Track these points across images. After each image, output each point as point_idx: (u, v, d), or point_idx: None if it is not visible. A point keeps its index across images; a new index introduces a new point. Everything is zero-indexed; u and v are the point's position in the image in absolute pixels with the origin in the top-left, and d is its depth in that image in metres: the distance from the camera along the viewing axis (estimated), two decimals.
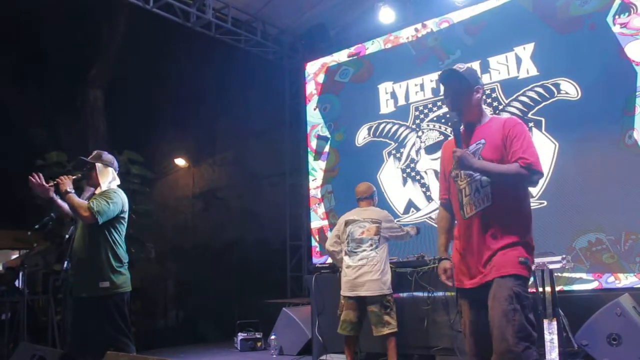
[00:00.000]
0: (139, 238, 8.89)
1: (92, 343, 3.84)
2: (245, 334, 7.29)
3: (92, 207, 3.95)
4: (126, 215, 4.23)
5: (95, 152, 4.32)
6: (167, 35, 9.12)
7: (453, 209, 3.06)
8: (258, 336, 7.32)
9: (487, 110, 3.12)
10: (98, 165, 4.23)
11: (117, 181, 4.32)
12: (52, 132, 9.64)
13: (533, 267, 4.73)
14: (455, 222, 3.07)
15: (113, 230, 4.09)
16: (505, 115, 6.61)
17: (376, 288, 4.85)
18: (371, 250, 4.95)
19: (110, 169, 4.28)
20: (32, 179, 4.05)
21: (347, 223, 5.17)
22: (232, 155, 11.49)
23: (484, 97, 3.07)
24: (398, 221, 7.27)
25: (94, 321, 3.92)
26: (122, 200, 4.15)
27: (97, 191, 4.19)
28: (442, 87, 3.13)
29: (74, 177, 4.20)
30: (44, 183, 4.07)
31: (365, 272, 4.89)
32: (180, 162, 12.01)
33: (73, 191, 4.09)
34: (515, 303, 2.65)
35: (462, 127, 3.02)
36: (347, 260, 5.05)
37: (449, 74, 3.06)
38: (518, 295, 2.67)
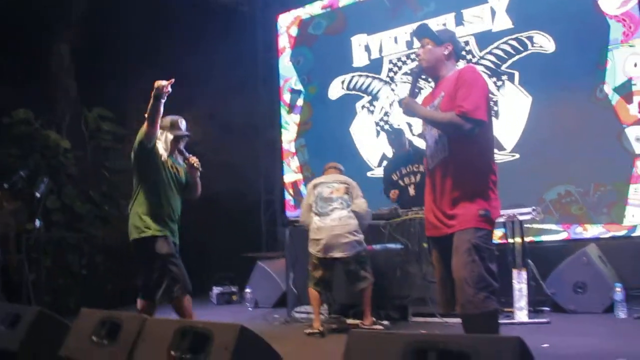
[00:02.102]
0: (112, 195, 8.81)
1: None
2: (221, 288, 7.34)
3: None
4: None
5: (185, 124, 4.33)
6: None
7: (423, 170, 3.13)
8: (234, 290, 7.38)
9: (460, 65, 3.12)
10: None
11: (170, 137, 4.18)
12: (18, 89, 9.39)
13: (503, 219, 4.87)
14: None
15: None
16: (479, 68, 6.61)
17: (350, 248, 4.79)
18: (342, 209, 4.86)
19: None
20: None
21: (315, 186, 5.07)
22: (206, 110, 11.31)
23: (453, 53, 3.04)
24: (371, 174, 7.34)
25: None
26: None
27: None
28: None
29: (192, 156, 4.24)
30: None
31: (338, 233, 4.77)
32: None
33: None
34: (474, 254, 2.71)
35: (417, 82, 3.10)
36: (317, 221, 4.90)
37: (420, 27, 3.16)
38: (477, 246, 2.72)
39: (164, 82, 3.85)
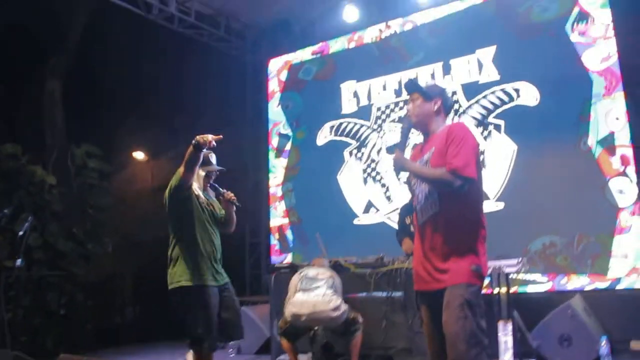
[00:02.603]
0: (97, 233, 8.74)
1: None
2: None
3: None
4: None
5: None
6: (129, 27, 8.92)
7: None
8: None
9: (449, 120, 3.17)
10: None
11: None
12: (6, 123, 9.38)
13: (489, 271, 4.86)
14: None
15: None
16: (465, 118, 6.73)
17: (330, 321, 4.76)
18: (327, 288, 4.79)
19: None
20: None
21: (300, 272, 5.06)
22: None
23: (442, 108, 3.09)
24: (358, 221, 7.35)
25: None
26: None
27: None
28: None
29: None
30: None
31: (320, 310, 4.69)
32: (138, 155, 11.82)
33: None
34: (466, 310, 2.72)
35: (410, 133, 3.12)
36: (299, 296, 4.83)
37: (410, 82, 3.23)
38: (469, 302, 2.74)
39: (210, 137, 3.69)
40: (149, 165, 11.62)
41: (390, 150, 7.22)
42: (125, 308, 9.59)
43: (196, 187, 4.03)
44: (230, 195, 4.11)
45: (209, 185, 4.16)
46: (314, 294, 4.77)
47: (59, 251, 8.16)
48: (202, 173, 4.09)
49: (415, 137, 3.35)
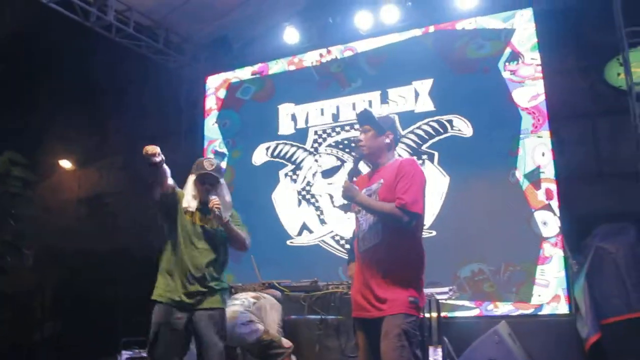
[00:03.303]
0: (16, 244, 8.37)
1: None
2: (131, 353, 7.00)
3: (249, 240, 4.01)
4: None
5: (216, 164, 3.90)
6: (62, 32, 8.65)
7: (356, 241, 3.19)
8: (144, 354, 7.05)
9: (398, 154, 3.26)
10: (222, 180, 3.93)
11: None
12: None
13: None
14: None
15: None
16: (400, 146, 6.90)
17: (238, 338, 4.64)
18: (240, 306, 4.76)
19: (224, 183, 3.99)
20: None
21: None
22: (121, 160, 11.05)
23: (393, 142, 3.18)
24: (291, 242, 7.37)
25: None
26: None
27: (224, 210, 3.78)
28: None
29: (213, 197, 3.75)
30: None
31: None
32: (65, 164, 11.40)
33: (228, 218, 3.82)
34: (404, 340, 2.82)
35: (365, 165, 3.21)
36: None
37: (364, 113, 3.27)
38: (407, 332, 2.84)
39: (150, 149, 3.48)
40: (76, 175, 11.22)
41: (325, 174, 7.37)
42: (45, 323, 9.18)
43: (189, 199, 3.80)
44: (212, 202, 3.71)
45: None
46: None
47: None
48: (192, 177, 3.85)
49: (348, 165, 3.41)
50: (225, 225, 3.82)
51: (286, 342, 4.85)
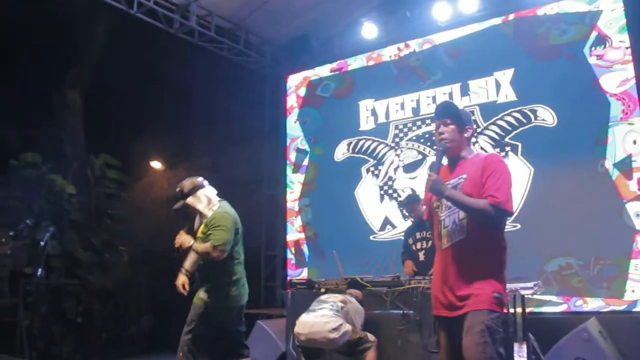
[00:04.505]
0: (113, 242, 8.86)
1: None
2: None
3: (215, 245, 4.12)
4: (240, 231, 4.43)
5: (177, 190, 4.41)
6: (150, 40, 9.07)
7: (434, 237, 3.15)
8: None
9: (474, 148, 3.21)
10: (188, 200, 4.34)
11: (214, 194, 4.45)
12: (26, 133, 9.53)
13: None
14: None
15: None
16: (482, 138, 6.78)
17: (328, 342, 4.57)
18: (329, 310, 4.64)
19: (199, 192, 4.37)
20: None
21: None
22: (209, 161, 11.44)
23: (472, 137, 3.14)
24: (374, 237, 7.40)
25: None
26: (231, 218, 4.33)
27: (203, 219, 4.32)
28: (435, 115, 3.20)
29: (183, 229, 4.38)
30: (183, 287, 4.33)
31: (316, 330, 4.50)
32: (156, 165, 11.94)
33: (192, 242, 4.29)
34: (487, 336, 2.76)
35: (444, 158, 3.12)
36: (303, 316, 4.69)
37: (448, 107, 3.22)
38: (490, 329, 2.78)
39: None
40: (165, 175, 11.73)
41: (407, 168, 7.35)
42: (141, 317, 9.66)
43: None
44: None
45: None
46: (314, 314, 4.70)
47: (77, 260, 8.27)
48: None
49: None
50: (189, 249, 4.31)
51: (371, 336, 4.90)
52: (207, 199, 4.37)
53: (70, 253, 8.18)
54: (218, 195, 4.52)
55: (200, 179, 4.49)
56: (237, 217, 4.39)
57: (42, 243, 6.51)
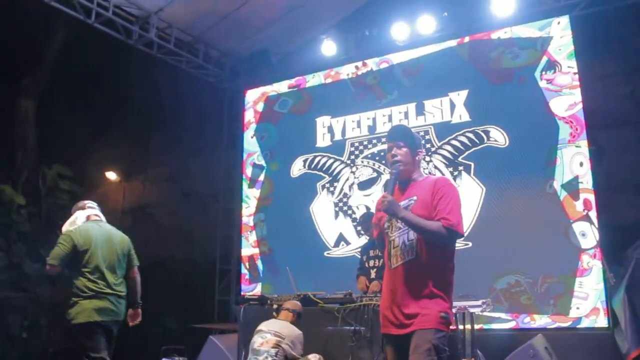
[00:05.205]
0: None
1: None
2: None
3: (47, 259, 4.44)
4: (87, 249, 4.48)
5: None
6: (107, 50, 8.97)
7: (383, 257, 3.19)
8: None
9: (423, 171, 3.28)
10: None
11: (79, 220, 4.67)
12: None
13: (454, 310, 4.98)
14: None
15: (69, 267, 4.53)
16: (436, 157, 6.90)
17: None
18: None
19: (72, 217, 4.72)
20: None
21: (255, 332, 4.98)
22: (166, 172, 11.34)
23: (422, 159, 3.21)
24: (328, 254, 7.43)
25: None
26: (72, 236, 4.48)
27: None
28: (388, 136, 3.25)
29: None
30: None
31: None
32: (111, 175, 11.76)
33: None
34: (433, 355, 2.81)
35: (396, 182, 3.15)
36: None
37: (402, 130, 3.28)
38: (437, 347, 2.83)
39: None
40: (120, 187, 11.56)
41: (361, 186, 7.42)
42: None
43: None
44: None
45: None
46: None
47: (24, 272, 8.07)
48: None
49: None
50: None
51: (313, 357, 4.91)
52: (73, 220, 4.68)
53: (17, 265, 7.98)
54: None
55: (83, 202, 4.88)
56: (88, 236, 4.53)
57: None
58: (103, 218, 4.85)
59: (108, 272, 4.56)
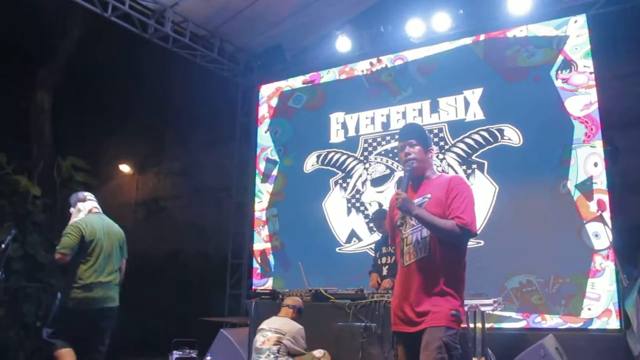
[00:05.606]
0: None
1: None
2: (181, 353, 7.22)
3: (57, 249, 4.61)
4: (92, 239, 4.71)
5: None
6: (124, 44, 9.02)
7: (396, 254, 3.20)
8: (194, 355, 7.26)
9: (436, 169, 3.28)
10: (71, 209, 4.97)
11: (83, 213, 4.89)
12: None
13: (465, 308, 4.97)
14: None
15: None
16: (450, 155, 6.88)
17: None
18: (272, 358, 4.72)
19: (74, 210, 4.93)
20: None
21: (257, 331, 5.01)
22: (179, 166, 11.41)
23: (434, 156, 3.22)
24: (340, 250, 7.44)
25: None
26: (79, 227, 4.67)
27: None
28: (400, 135, 3.25)
29: None
30: None
31: None
32: (124, 168, 11.84)
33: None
34: (444, 352, 2.82)
35: (410, 179, 3.16)
36: None
37: (414, 128, 3.29)
38: (447, 345, 2.84)
39: None
40: (134, 179, 11.65)
41: (374, 182, 7.42)
42: None
43: None
44: None
45: None
46: None
47: (39, 263, 8.14)
48: None
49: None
50: None
51: (317, 353, 4.93)
52: (77, 212, 4.90)
53: (32, 255, 8.05)
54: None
55: (83, 194, 5.07)
56: (93, 228, 4.75)
57: (2, 245, 6.38)
58: (101, 210, 5.08)
59: (108, 262, 4.81)
